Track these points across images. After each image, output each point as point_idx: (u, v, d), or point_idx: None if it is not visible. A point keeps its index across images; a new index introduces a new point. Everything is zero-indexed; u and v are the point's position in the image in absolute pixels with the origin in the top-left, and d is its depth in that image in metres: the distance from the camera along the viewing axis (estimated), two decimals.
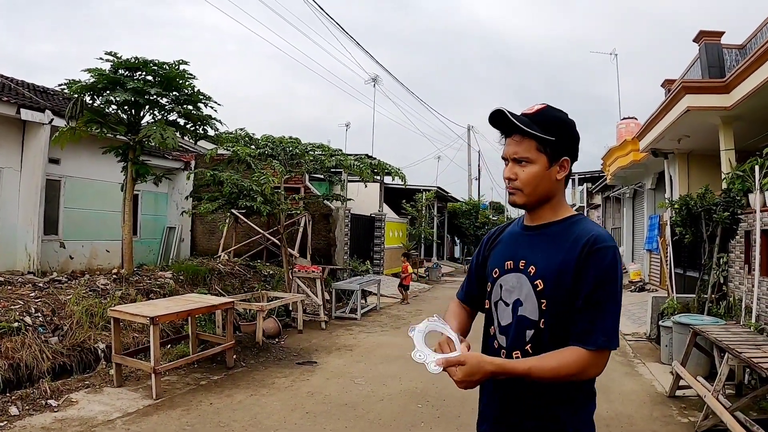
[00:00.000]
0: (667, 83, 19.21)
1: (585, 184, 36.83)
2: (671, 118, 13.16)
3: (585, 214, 37.56)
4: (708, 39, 15.00)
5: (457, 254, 45.81)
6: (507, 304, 2.35)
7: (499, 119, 2.33)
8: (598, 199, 33.94)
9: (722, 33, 15.16)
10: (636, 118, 21.63)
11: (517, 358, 2.24)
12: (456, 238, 45.67)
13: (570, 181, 2.49)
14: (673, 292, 12.38)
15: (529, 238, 2.40)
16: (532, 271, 2.28)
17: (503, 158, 2.41)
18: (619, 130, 21.61)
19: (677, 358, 8.47)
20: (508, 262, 2.39)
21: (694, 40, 15.31)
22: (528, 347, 2.24)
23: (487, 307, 2.49)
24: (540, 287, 2.23)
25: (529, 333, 2.25)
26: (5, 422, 6.40)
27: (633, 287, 19.37)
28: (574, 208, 37.00)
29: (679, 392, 8.03)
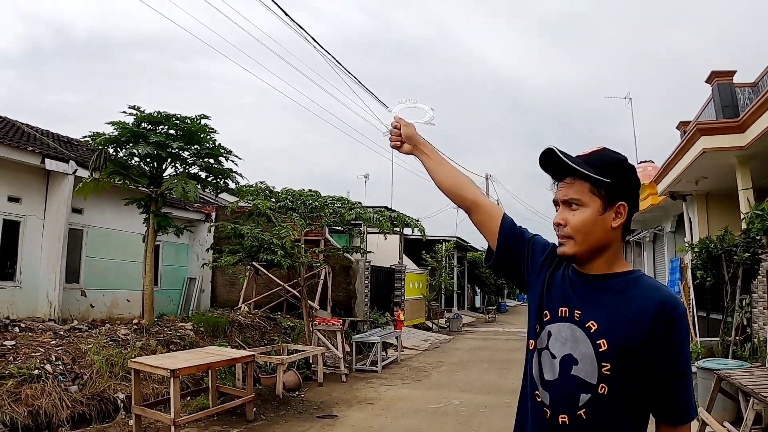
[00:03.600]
0: (682, 125, 19.23)
1: None
2: (688, 160, 13.15)
3: None
4: (720, 79, 15.04)
5: (477, 304, 45.53)
6: (554, 357, 2.11)
7: (549, 159, 2.15)
8: None
9: (734, 72, 15.19)
10: (653, 162, 21.52)
11: (564, 422, 2.04)
12: (476, 288, 45.44)
13: (627, 225, 2.16)
14: (696, 336, 12.26)
15: (585, 288, 2.15)
16: (593, 328, 2.04)
17: (554, 202, 2.21)
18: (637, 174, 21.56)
19: (703, 404, 8.34)
20: (563, 309, 2.14)
21: (707, 81, 15.37)
22: (582, 412, 2.01)
23: (530, 348, 2.25)
24: (603, 348, 2.00)
25: (585, 397, 2.02)
26: None
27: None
28: None
29: None
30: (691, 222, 16.75)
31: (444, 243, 30.52)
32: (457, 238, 33.88)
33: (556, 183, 2.20)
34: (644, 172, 20.55)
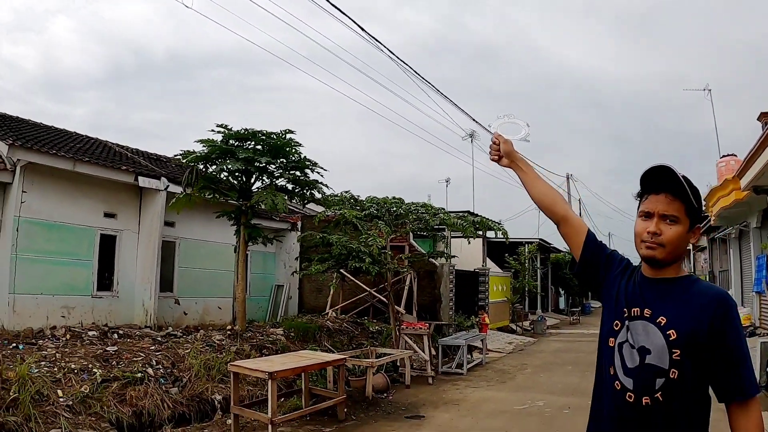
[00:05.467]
0: (763, 116, 18.72)
1: None
2: None
3: (691, 256, 36.49)
4: None
5: (561, 305, 45.12)
6: (633, 347, 2.48)
7: (659, 174, 2.49)
8: (703, 241, 32.78)
9: None
10: (735, 155, 20.82)
11: (647, 403, 2.41)
12: (560, 289, 45.06)
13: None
14: None
15: (653, 290, 2.54)
16: (662, 322, 2.42)
17: (645, 212, 2.53)
18: (719, 168, 20.69)
19: None
20: (635, 309, 2.52)
21: None
22: (659, 395, 2.39)
23: (611, 345, 2.59)
24: (673, 337, 2.38)
25: (660, 381, 2.39)
26: None
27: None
28: None
29: None
30: None
31: (527, 245, 30.48)
32: (540, 239, 33.77)
33: (647, 195, 2.57)
34: (727, 167, 20.04)
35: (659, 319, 2.44)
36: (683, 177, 2.46)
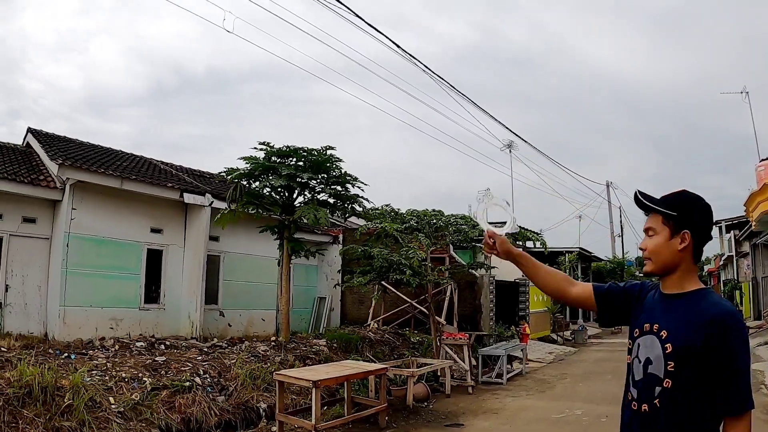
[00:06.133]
0: None
1: (732, 231, 35.17)
2: None
3: (734, 262, 35.99)
4: None
5: None
6: (640, 362, 2.71)
7: (637, 201, 2.83)
8: (746, 247, 32.32)
9: None
10: None
11: (645, 411, 2.64)
12: None
13: (697, 250, 2.74)
14: None
15: (663, 305, 2.75)
16: (663, 335, 2.62)
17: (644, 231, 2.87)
18: (759, 173, 20.31)
19: None
20: (646, 325, 2.74)
21: None
22: (656, 402, 2.60)
23: (628, 362, 2.86)
24: (669, 350, 2.57)
25: (657, 389, 2.61)
26: None
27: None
28: (723, 257, 35.02)
29: None
30: None
31: (567, 254, 30.45)
32: (580, 248, 33.72)
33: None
34: (766, 170, 19.83)
35: (662, 332, 2.65)
36: (665, 195, 2.79)
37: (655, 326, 2.70)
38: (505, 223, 3.30)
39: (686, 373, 2.53)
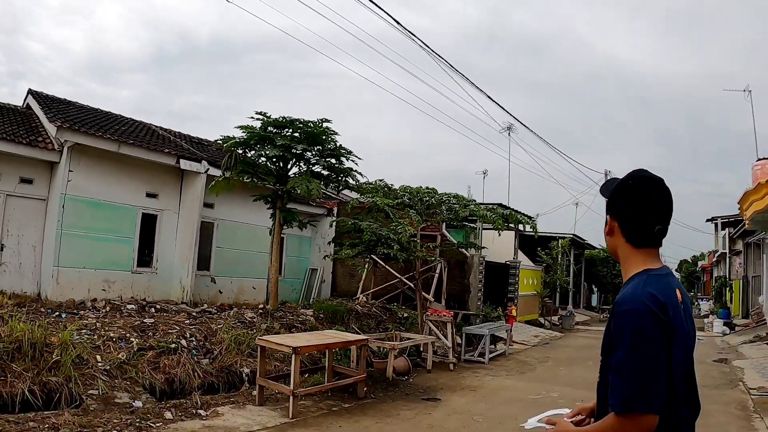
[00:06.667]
0: None
1: (727, 229, 35.50)
2: None
3: (727, 260, 36.10)
4: None
5: (594, 302, 45.07)
6: None
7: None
8: (740, 245, 32.44)
9: None
10: None
11: (593, 408, 2.64)
12: (593, 286, 45.03)
13: (631, 234, 2.53)
14: None
15: None
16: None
17: None
18: (755, 171, 20.22)
19: None
20: None
21: None
22: (600, 398, 2.47)
23: None
24: (602, 345, 2.47)
25: (598, 382, 2.51)
26: (161, 423, 7.64)
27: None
28: (716, 254, 35.09)
29: None
30: None
31: (560, 240, 30.58)
32: (574, 235, 33.79)
33: None
34: (762, 170, 19.75)
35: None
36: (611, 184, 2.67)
37: None
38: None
39: (604, 365, 2.42)
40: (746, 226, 24.37)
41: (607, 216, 2.60)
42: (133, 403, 8.01)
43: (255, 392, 9.24)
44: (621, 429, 2.20)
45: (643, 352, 2.21)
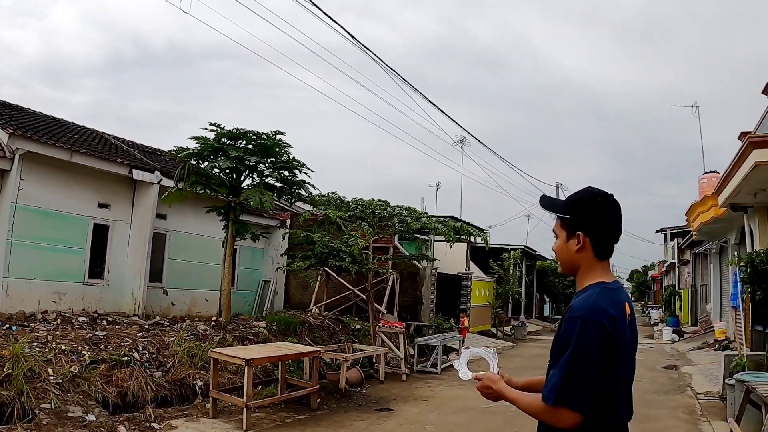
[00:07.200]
0: (743, 135, 18.95)
1: (676, 240, 36.29)
2: (743, 173, 12.61)
3: (676, 269, 36.86)
4: None
5: (546, 313, 45.53)
6: None
7: (541, 203, 2.87)
8: (688, 255, 33.18)
9: None
10: (718, 172, 20.68)
11: None
12: (545, 297, 45.46)
13: (599, 248, 2.67)
14: (745, 349, 12.37)
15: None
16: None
17: None
18: (701, 184, 20.71)
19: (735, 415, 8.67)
20: None
21: (764, 92, 15.08)
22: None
23: None
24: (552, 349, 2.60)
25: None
26: None
27: (717, 346, 19.36)
28: (665, 264, 35.83)
29: None
30: (752, 234, 16.25)
31: (511, 251, 30.88)
32: (525, 246, 34.22)
33: None
34: (708, 183, 20.22)
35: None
36: (571, 195, 2.82)
37: None
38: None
39: (552, 365, 2.55)
40: (693, 236, 24.93)
41: (576, 232, 2.67)
42: (86, 417, 7.98)
43: (209, 405, 9.26)
44: (546, 417, 2.46)
45: (586, 357, 2.37)
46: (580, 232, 2.66)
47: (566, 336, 2.44)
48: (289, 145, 13.38)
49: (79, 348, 9.73)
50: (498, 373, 2.85)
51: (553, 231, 2.83)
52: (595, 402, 2.38)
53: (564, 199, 2.87)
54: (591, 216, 2.67)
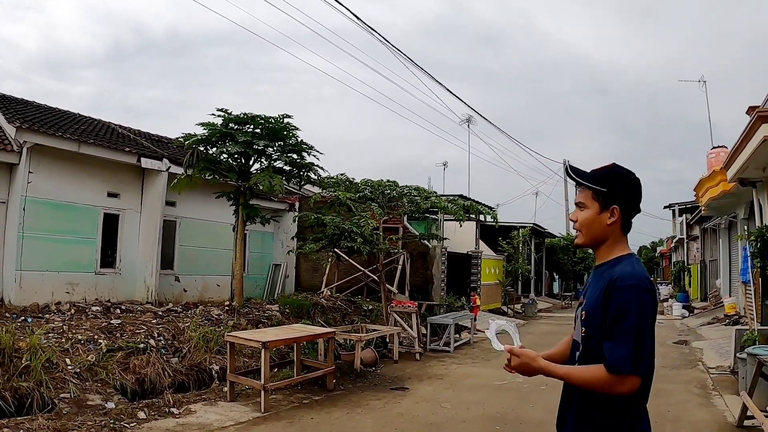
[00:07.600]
0: (751, 110, 18.79)
1: (684, 215, 36.27)
2: (751, 148, 12.50)
3: (685, 245, 36.81)
4: None
5: (555, 290, 45.56)
6: (574, 329, 2.88)
7: (569, 174, 2.92)
8: (697, 231, 33.11)
9: None
10: (726, 147, 20.50)
11: None
12: (555, 274, 45.52)
13: (625, 223, 2.80)
14: (755, 323, 12.38)
15: (593, 277, 2.84)
16: (583, 303, 2.80)
17: (575, 204, 2.93)
18: (709, 159, 20.65)
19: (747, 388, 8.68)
20: (581, 298, 2.90)
21: None
22: (576, 364, 2.72)
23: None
24: (583, 317, 2.71)
25: (576, 353, 2.76)
26: (135, 423, 7.71)
27: (727, 320, 19.36)
28: (674, 240, 35.74)
29: (747, 422, 8.20)
30: (761, 208, 16.20)
31: (520, 229, 30.86)
32: (534, 224, 34.13)
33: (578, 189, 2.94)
34: (717, 158, 20.12)
35: (582, 300, 2.86)
36: (596, 170, 2.88)
37: (582, 297, 2.90)
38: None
39: (594, 336, 2.62)
40: (702, 212, 24.83)
41: (611, 206, 2.74)
42: (106, 405, 8.05)
43: (226, 389, 9.34)
44: (609, 387, 2.50)
45: (646, 323, 2.51)
46: (616, 206, 2.74)
47: (622, 304, 2.52)
48: (297, 128, 13.36)
49: (95, 337, 9.82)
50: (521, 347, 2.86)
51: (577, 203, 2.89)
52: (652, 364, 2.56)
53: (590, 172, 2.90)
54: (626, 191, 2.78)
